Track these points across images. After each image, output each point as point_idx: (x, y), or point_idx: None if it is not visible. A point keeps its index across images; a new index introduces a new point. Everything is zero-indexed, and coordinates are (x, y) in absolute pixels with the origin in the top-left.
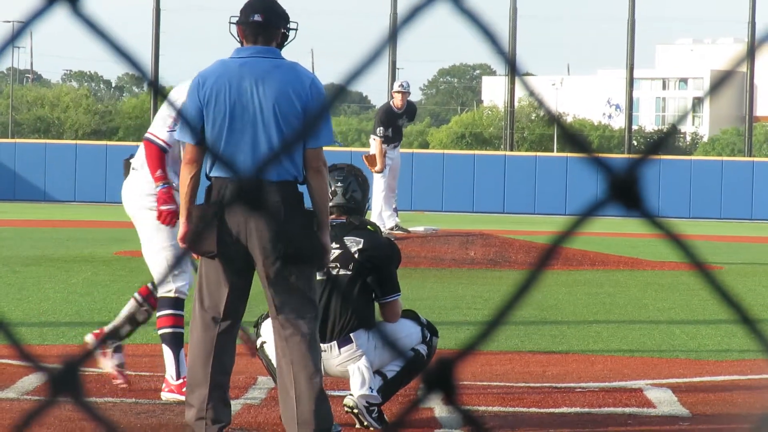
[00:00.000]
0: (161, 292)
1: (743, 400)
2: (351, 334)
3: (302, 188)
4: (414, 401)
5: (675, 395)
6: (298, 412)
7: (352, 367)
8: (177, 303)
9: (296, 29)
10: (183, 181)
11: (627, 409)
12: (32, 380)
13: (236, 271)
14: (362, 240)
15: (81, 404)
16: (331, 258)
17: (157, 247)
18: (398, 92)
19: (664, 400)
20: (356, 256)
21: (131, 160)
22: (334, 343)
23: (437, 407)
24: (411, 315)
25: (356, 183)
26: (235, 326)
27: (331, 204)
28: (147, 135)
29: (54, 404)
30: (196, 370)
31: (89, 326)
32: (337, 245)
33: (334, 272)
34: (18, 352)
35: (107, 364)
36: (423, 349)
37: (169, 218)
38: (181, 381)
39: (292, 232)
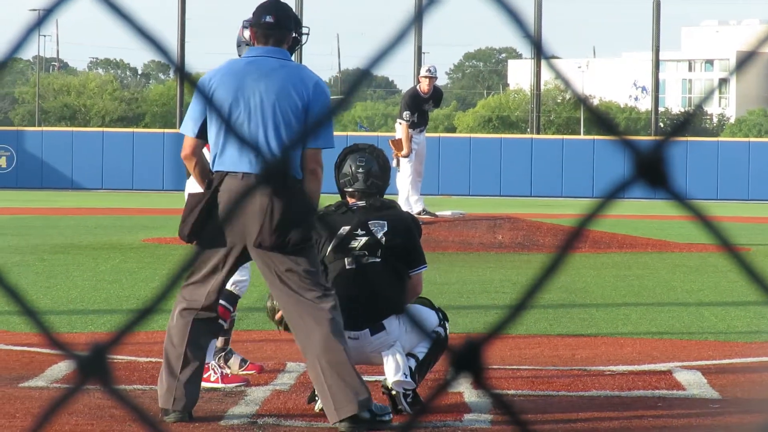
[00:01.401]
0: None
1: None
2: (383, 321)
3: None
4: (442, 384)
5: (704, 377)
6: (333, 395)
7: (386, 354)
8: (230, 296)
9: (308, 34)
10: (192, 172)
11: (656, 392)
12: (61, 368)
13: (232, 258)
14: (386, 222)
15: (110, 390)
16: (360, 246)
17: None
18: (425, 77)
19: (693, 383)
20: (383, 241)
21: None
22: (366, 331)
23: (466, 391)
24: (424, 301)
25: (377, 166)
26: (215, 316)
27: (351, 188)
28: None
29: (83, 391)
30: (170, 352)
31: (117, 314)
32: (363, 231)
33: (363, 260)
34: (47, 340)
35: (235, 370)
36: (441, 331)
37: None
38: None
39: (289, 217)
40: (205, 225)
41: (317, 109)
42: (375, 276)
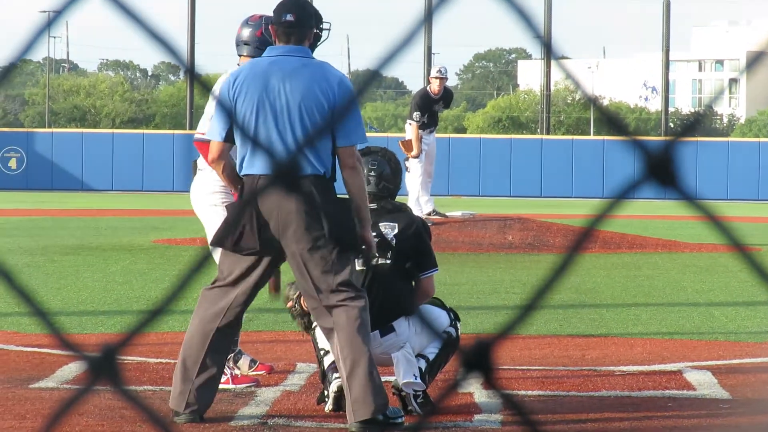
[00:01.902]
0: None
1: None
2: (393, 323)
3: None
4: (452, 385)
5: (715, 377)
6: (352, 396)
7: (395, 355)
8: None
9: (329, 29)
10: (221, 176)
11: (667, 392)
12: (71, 369)
13: (264, 264)
14: (396, 224)
15: (120, 390)
16: None
17: None
18: (436, 78)
19: (703, 383)
20: (393, 243)
21: (198, 161)
22: (377, 333)
23: (476, 392)
24: (436, 301)
25: (389, 169)
26: (237, 324)
27: None
28: (198, 136)
29: (93, 392)
30: (190, 355)
31: (128, 315)
32: (374, 233)
33: (374, 262)
34: (58, 341)
35: (245, 370)
36: (452, 331)
37: None
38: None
39: (327, 216)
40: (254, 232)
41: (344, 106)
42: (384, 277)
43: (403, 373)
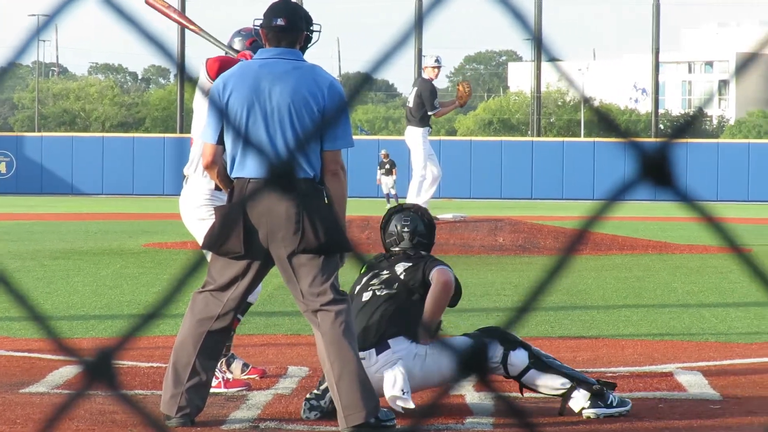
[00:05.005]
0: None
1: None
2: (389, 340)
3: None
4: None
5: (705, 378)
6: (342, 401)
7: (387, 370)
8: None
9: (320, 31)
10: (214, 180)
11: (658, 393)
12: (62, 374)
13: (254, 269)
14: (411, 263)
15: (116, 393)
16: (378, 282)
17: None
18: (435, 67)
19: (694, 384)
20: (402, 276)
21: (184, 168)
22: (372, 351)
23: (468, 394)
24: (493, 333)
25: (423, 225)
26: (228, 328)
27: (397, 248)
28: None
29: (85, 396)
30: (181, 359)
31: (118, 319)
32: (387, 272)
33: (378, 293)
34: (51, 345)
35: (237, 374)
36: (494, 358)
37: None
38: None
39: (317, 220)
40: (240, 236)
41: (333, 110)
42: (385, 302)
43: (390, 385)
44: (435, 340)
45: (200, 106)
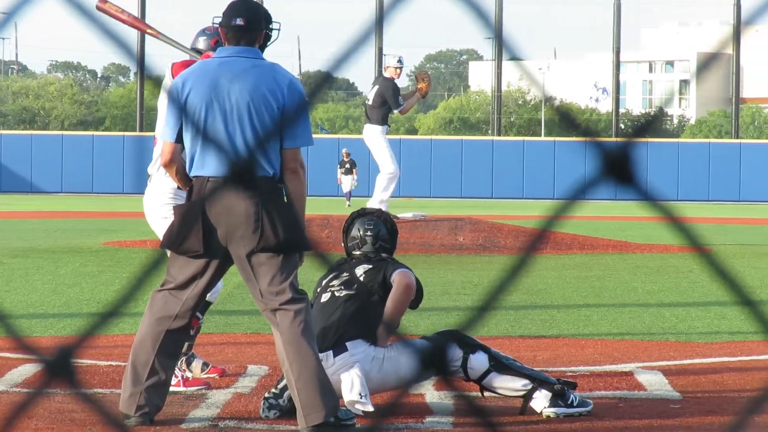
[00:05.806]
0: None
1: (733, 382)
2: (347, 343)
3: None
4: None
5: (665, 378)
6: (302, 400)
7: (344, 374)
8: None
9: (279, 29)
10: (173, 178)
11: (618, 393)
12: (21, 372)
13: (213, 268)
14: (371, 265)
15: (76, 391)
16: (338, 283)
17: None
18: (397, 67)
19: (654, 383)
20: (361, 278)
21: (149, 167)
22: (330, 353)
23: (428, 393)
24: (451, 336)
25: (385, 230)
26: (187, 327)
27: (359, 251)
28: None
29: (44, 395)
30: (140, 357)
31: (77, 317)
32: (347, 274)
33: (338, 294)
34: (11, 343)
35: (197, 373)
36: (453, 362)
37: None
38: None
39: (276, 219)
40: (199, 235)
41: (292, 108)
42: (344, 303)
43: (348, 390)
44: (393, 343)
45: (164, 107)
